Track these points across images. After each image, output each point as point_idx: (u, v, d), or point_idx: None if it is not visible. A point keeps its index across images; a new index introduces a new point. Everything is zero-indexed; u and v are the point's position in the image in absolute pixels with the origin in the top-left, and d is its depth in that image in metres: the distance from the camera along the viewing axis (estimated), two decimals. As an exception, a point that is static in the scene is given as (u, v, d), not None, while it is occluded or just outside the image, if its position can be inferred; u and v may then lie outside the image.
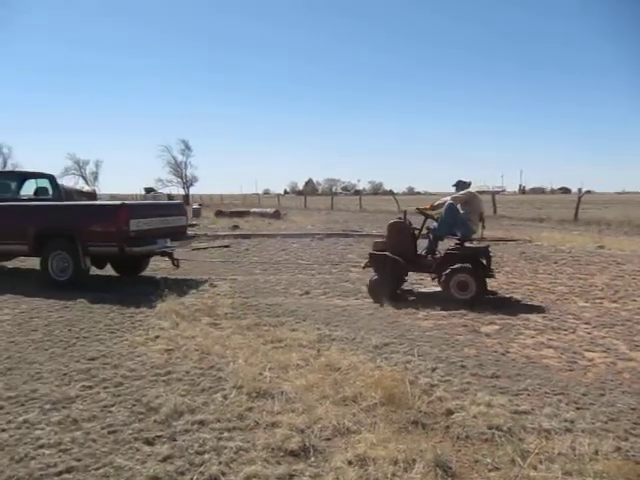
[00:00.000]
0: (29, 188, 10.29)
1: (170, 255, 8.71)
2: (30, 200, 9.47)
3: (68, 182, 47.54)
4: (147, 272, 9.21)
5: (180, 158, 58.66)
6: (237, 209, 27.91)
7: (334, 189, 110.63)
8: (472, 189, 7.31)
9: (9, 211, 8.46)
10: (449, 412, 3.45)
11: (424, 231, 7.26)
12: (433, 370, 4.21)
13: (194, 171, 60.08)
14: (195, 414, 3.41)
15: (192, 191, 59.81)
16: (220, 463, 2.82)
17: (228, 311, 6.13)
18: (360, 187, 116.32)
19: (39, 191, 10.12)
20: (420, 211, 7.35)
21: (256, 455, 2.90)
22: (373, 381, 3.78)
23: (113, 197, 49.88)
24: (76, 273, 7.83)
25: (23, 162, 65.86)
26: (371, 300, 6.75)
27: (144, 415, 3.43)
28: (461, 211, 6.97)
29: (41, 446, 3.02)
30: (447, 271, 6.49)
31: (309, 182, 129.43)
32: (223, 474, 2.72)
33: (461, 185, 7.39)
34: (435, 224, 7.16)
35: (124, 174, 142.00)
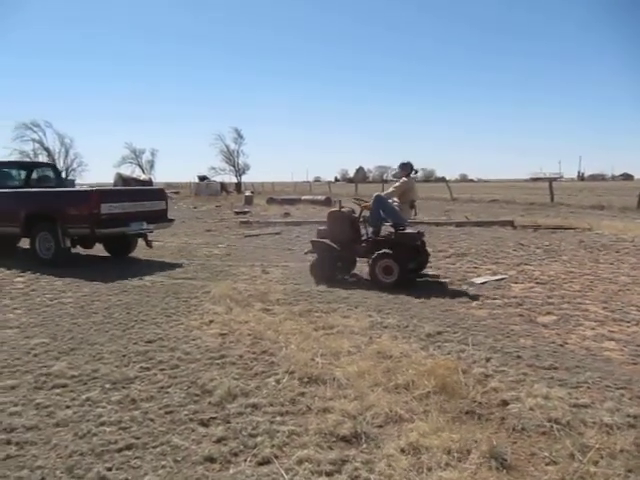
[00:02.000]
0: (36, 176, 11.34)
1: (144, 236, 9.53)
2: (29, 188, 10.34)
3: (125, 170, 49.01)
4: (201, 258, 9.39)
5: (232, 146, 59.36)
6: (288, 196, 28.07)
7: (385, 176, 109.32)
8: (413, 174, 7.61)
9: (4, 197, 9.47)
10: (504, 403, 3.37)
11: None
12: (487, 360, 4.13)
13: (246, 159, 60.65)
14: (248, 397, 3.46)
15: (244, 179, 60.46)
16: (273, 446, 2.86)
17: (280, 297, 6.18)
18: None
19: (42, 179, 11.18)
20: (357, 203, 7.67)
21: (308, 440, 2.93)
22: (426, 369, 3.74)
23: (168, 185, 51.10)
24: (57, 252, 8.71)
25: (83, 152, 68.30)
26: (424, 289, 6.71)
27: (199, 397, 3.51)
28: (395, 200, 7.32)
29: (102, 423, 3.14)
30: (373, 257, 6.88)
31: (360, 169, 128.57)
32: (276, 457, 2.76)
33: (405, 167, 7.54)
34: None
35: (179, 162, 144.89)
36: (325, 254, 7.21)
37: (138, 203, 9.26)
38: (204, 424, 3.14)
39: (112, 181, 37.18)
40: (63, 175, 49.41)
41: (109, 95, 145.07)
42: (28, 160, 11.19)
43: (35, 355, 4.35)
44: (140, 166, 61.22)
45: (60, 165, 50.31)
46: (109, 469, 2.67)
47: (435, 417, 3.12)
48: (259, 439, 2.93)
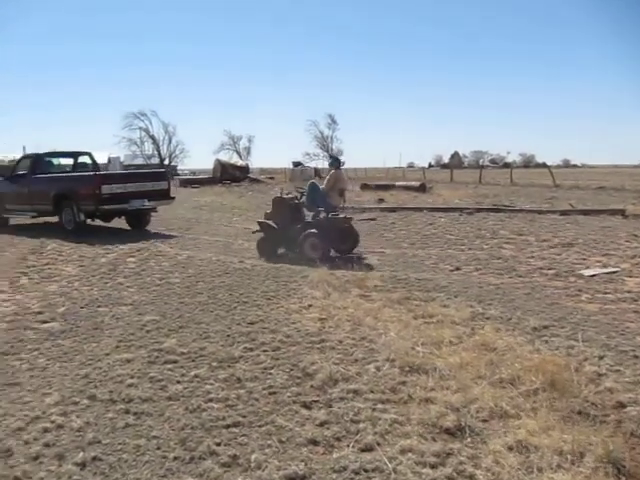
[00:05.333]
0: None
1: (146, 212, 11.53)
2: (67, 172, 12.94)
3: (223, 157, 50.78)
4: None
5: (326, 132, 59.81)
6: (382, 182, 27.84)
7: (481, 162, 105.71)
8: (342, 167, 9.64)
9: (41, 182, 11.65)
10: (620, 405, 3.17)
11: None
12: (600, 358, 3.88)
13: (339, 145, 60.89)
14: (349, 383, 3.48)
15: (338, 164, 60.58)
16: (375, 434, 2.86)
17: (378, 284, 6.15)
18: (510, 159, 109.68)
19: (80, 165, 13.30)
20: (297, 190, 9.18)
21: (411, 429, 2.90)
22: (533, 364, 3.58)
23: (262, 170, 52.35)
24: (75, 225, 10.90)
25: (185, 139, 71.27)
26: (526, 279, 6.44)
27: (301, 380, 3.58)
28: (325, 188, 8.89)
29: (210, 400, 3.29)
30: (301, 236, 8.01)
31: (455, 155, 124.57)
32: (378, 444, 2.76)
33: (334, 163, 9.45)
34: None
35: (274, 148, 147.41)
36: (268, 233, 8.44)
37: (140, 184, 11.14)
38: (307, 407, 3.20)
39: (212, 167, 38.76)
40: (166, 162, 52.24)
41: (210, 81, 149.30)
42: (69, 150, 13.53)
43: (147, 331, 4.62)
44: (237, 152, 63.19)
45: (164, 152, 52.85)
46: (218, 444, 2.79)
47: (544, 415, 2.99)
48: (361, 425, 2.94)
